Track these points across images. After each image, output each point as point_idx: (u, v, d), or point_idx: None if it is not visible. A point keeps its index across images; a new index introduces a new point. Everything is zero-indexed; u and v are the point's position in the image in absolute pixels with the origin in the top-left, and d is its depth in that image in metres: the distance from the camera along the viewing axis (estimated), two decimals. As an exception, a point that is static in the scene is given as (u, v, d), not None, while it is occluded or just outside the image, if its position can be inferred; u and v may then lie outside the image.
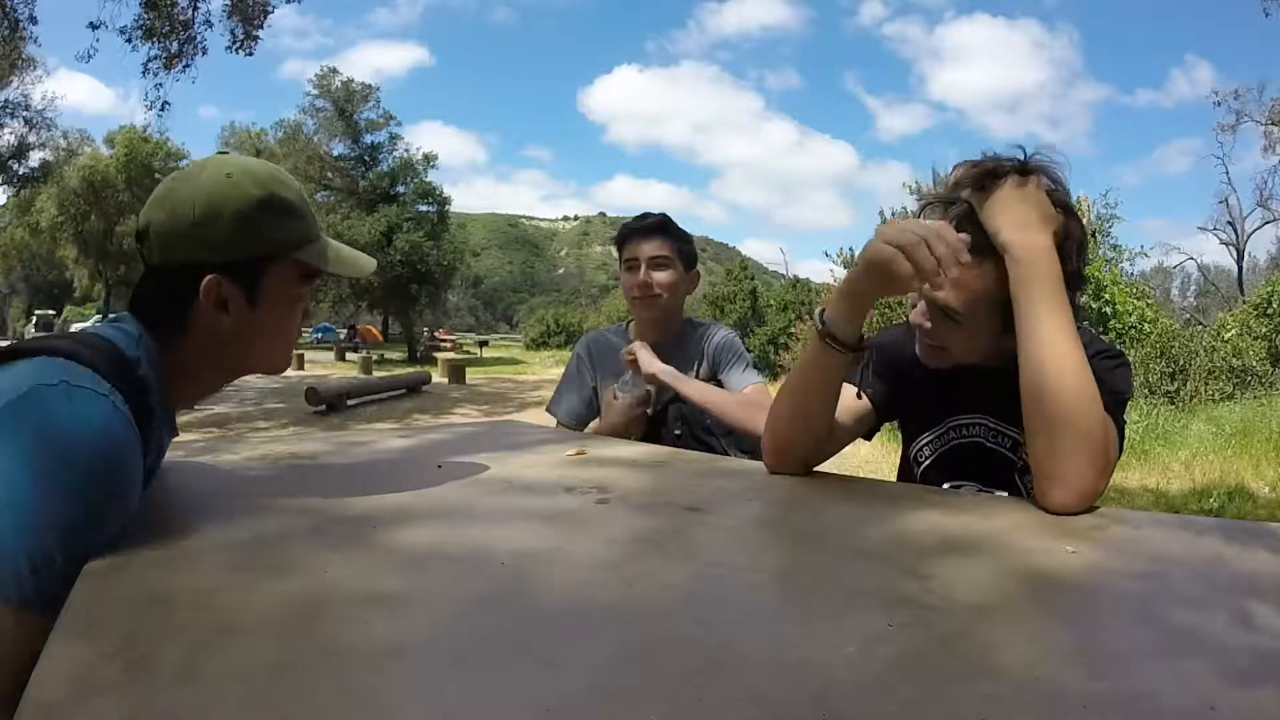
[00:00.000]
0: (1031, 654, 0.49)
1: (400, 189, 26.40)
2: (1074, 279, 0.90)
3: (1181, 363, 9.24)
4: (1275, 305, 11.04)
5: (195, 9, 9.89)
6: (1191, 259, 28.63)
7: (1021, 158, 0.92)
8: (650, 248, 1.61)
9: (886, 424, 1.17)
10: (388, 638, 0.50)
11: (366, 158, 26.81)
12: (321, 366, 19.84)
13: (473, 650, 0.49)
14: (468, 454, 1.06)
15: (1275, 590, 0.60)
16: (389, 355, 24.73)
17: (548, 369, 20.61)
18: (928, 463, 1.11)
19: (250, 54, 10.38)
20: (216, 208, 0.76)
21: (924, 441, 1.12)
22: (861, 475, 1.06)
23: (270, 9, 10.33)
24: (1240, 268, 26.51)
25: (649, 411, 1.59)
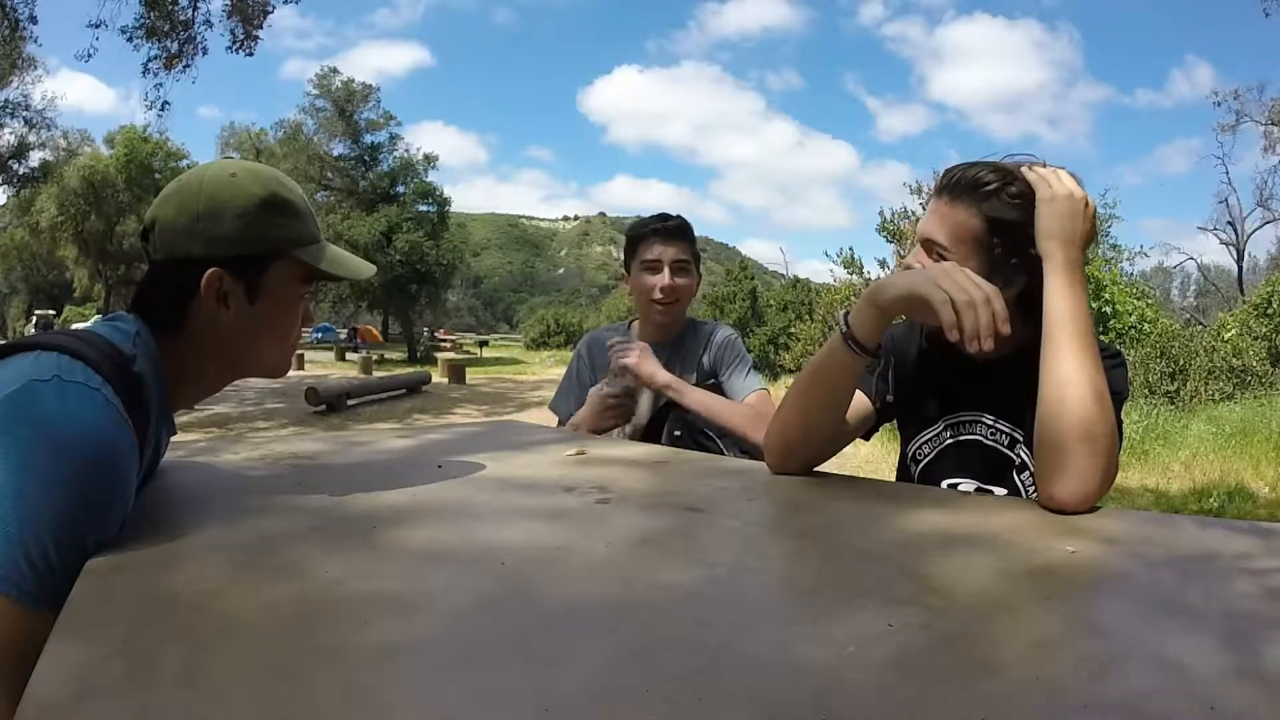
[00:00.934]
0: (1031, 654, 0.49)
1: (400, 189, 26.41)
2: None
3: (1181, 363, 9.24)
4: (1275, 305, 11.04)
5: (195, 9, 9.89)
6: (1191, 259, 28.63)
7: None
8: (674, 251, 1.59)
9: (886, 424, 1.18)
10: (388, 638, 0.50)
11: (366, 158, 26.81)
12: (321, 366, 19.85)
13: (473, 650, 0.49)
14: (468, 454, 1.06)
15: (1275, 590, 0.60)
16: (389, 355, 24.73)
17: (548, 369, 20.61)
18: (926, 460, 1.11)
19: (250, 54, 10.38)
20: (221, 204, 0.78)
21: (922, 439, 1.12)
22: (861, 475, 1.06)
23: (270, 9, 10.33)
24: (1240, 268, 26.50)
25: (639, 408, 1.58)
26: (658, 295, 1.58)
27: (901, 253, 9.12)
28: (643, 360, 1.51)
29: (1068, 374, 0.84)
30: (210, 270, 0.78)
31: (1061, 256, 0.89)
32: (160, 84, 10.10)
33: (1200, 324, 14.87)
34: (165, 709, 0.42)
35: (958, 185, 0.98)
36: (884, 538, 0.73)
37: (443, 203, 27.12)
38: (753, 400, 1.55)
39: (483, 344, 38.29)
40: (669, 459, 1.11)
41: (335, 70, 27.21)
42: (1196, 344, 9.71)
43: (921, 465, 1.12)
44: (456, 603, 0.56)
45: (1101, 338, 1.28)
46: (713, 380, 1.62)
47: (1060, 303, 0.88)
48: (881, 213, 10.49)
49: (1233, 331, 10.80)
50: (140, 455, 0.73)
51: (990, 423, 1.05)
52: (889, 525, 0.77)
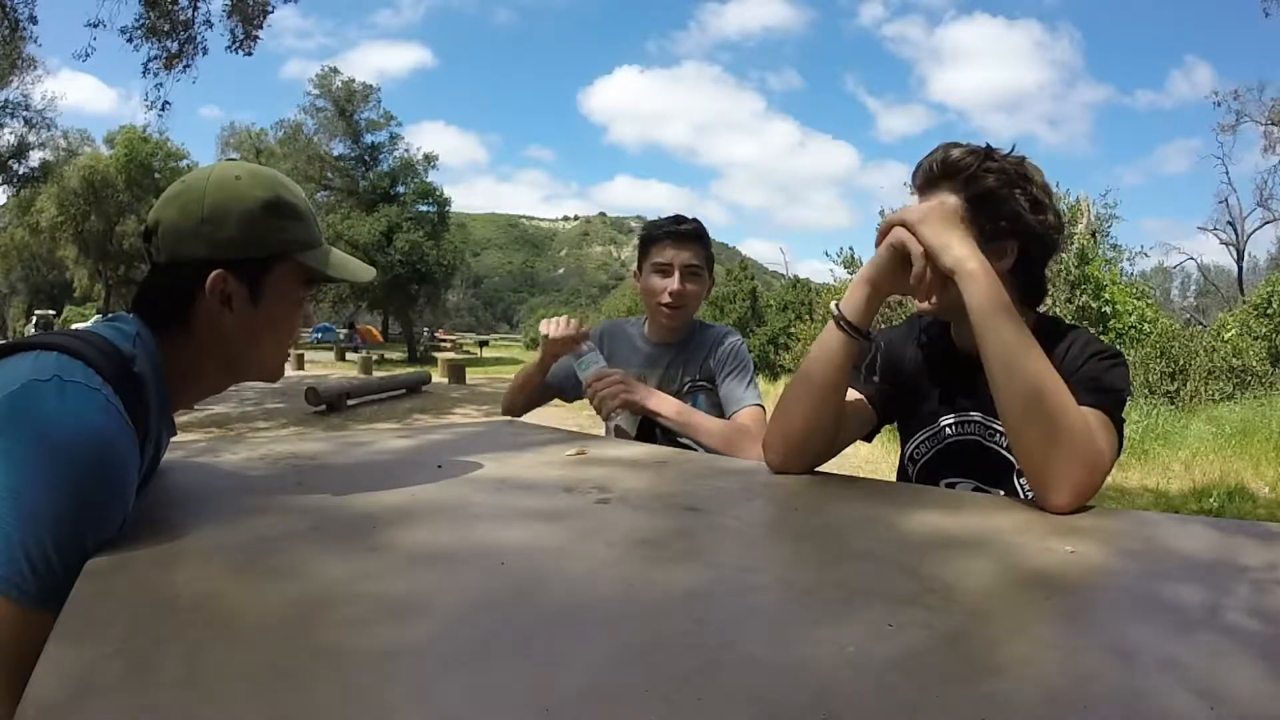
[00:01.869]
0: (1031, 654, 0.50)
1: (400, 189, 26.39)
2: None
3: (1181, 363, 9.24)
4: (1275, 305, 11.04)
5: (195, 9, 9.89)
6: (1191, 259, 28.65)
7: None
8: (687, 255, 1.59)
9: (887, 425, 1.18)
10: (388, 638, 0.50)
11: (367, 158, 26.79)
12: (321, 366, 19.83)
13: (472, 650, 0.49)
14: (468, 454, 1.06)
15: (1275, 590, 0.60)
16: (389, 355, 24.72)
17: (548, 369, 20.48)
18: (924, 460, 1.11)
19: (249, 54, 10.37)
20: (224, 207, 0.79)
21: (921, 439, 1.12)
22: (861, 475, 1.06)
23: (270, 9, 10.32)
24: (1240, 268, 26.50)
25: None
26: (666, 299, 1.58)
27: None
28: (629, 392, 1.48)
29: (1020, 371, 0.85)
30: (215, 272, 0.78)
31: (969, 261, 0.89)
32: (160, 84, 10.10)
33: (1200, 324, 14.87)
34: (165, 709, 0.42)
35: (931, 173, 1.01)
36: (884, 538, 0.73)
37: (443, 203, 27.11)
38: (743, 415, 1.52)
39: (483, 344, 38.29)
40: (669, 459, 1.11)
41: (335, 70, 27.20)
42: (1196, 344, 9.71)
43: (919, 464, 1.12)
44: (456, 603, 0.56)
45: (1101, 338, 1.28)
46: (704, 383, 1.61)
47: (985, 300, 0.87)
48: (882, 212, 10.50)
49: (1233, 331, 10.79)
50: (140, 456, 0.73)
51: (988, 422, 1.05)
52: (889, 525, 0.77)
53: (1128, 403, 1.01)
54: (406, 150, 27.18)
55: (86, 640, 0.50)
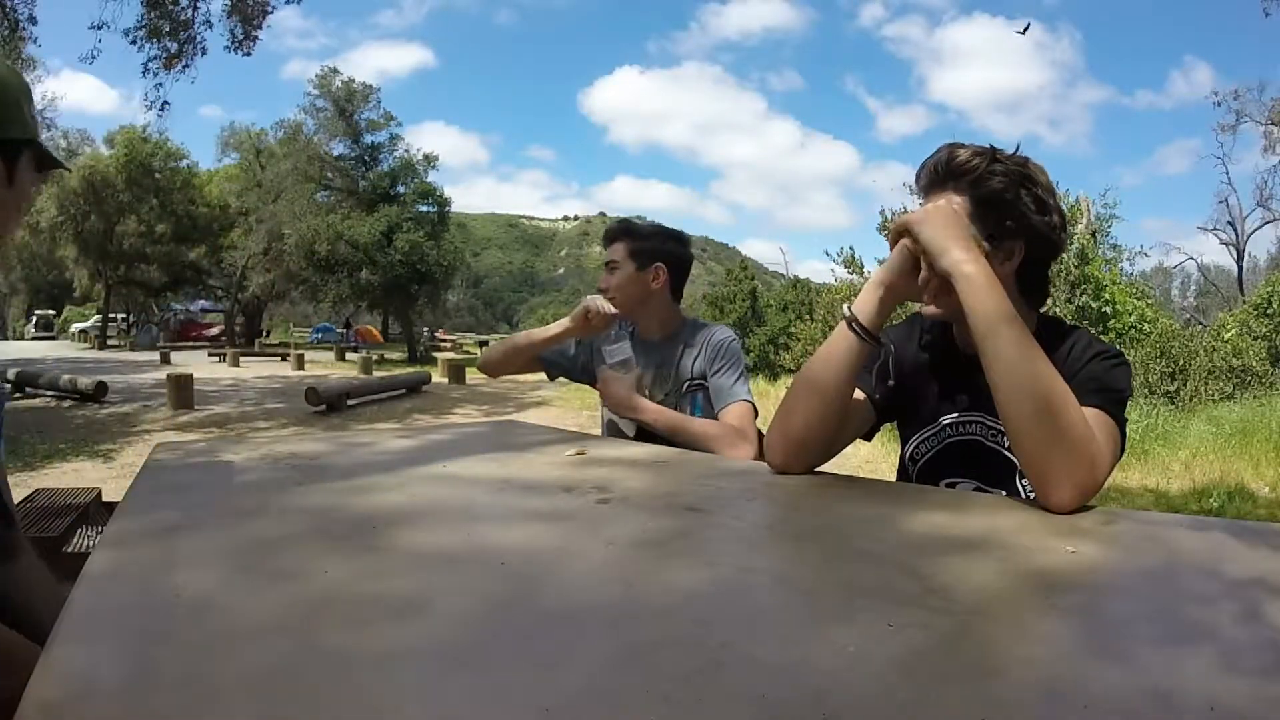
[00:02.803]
0: (1031, 654, 0.50)
1: (401, 189, 26.38)
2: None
3: (1181, 363, 9.23)
4: (1275, 305, 11.03)
5: (195, 9, 9.89)
6: (1191, 259, 28.57)
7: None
8: (607, 254, 1.71)
9: (886, 425, 1.18)
10: (388, 638, 0.50)
11: (367, 158, 26.77)
12: (321, 366, 19.80)
13: (473, 650, 0.49)
14: (468, 454, 1.06)
15: (1275, 590, 0.60)
16: (389, 355, 24.72)
17: (548, 369, 20.50)
18: (925, 460, 1.11)
19: (249, 54, 10.36)
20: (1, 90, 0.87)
21: (921, 438, 1.12)
22: (861, 475, 1.06)
23: (270, 9, 10.31)
24: (1240, 268, 26.48)
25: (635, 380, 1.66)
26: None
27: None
28: (616, 391, 1.60)
29: (1020, 373, 0.84)
30: None
31: (966, 264, 0.89)
32: (160, 84, 10.08)
33: (1200, 324, 14.87)
34: (165, 709, 0.42)
35: (936, 174, 1.01)
36: (884, 538, 0.73)
37: (443, 203, 27.10)
38: (731, 412, 1.54)
39: (483, 344, 38.20)
40: (669, 459, 1.11)
41: (335, 70, 27.16)
42: (1196, 344, 9.70)
43: (920, 464, 1.12)
44: (457, 603, 0.56)
45: (1102, 338, 1.28)
46: (701, 382, 1.62)
47: (985, 304, 0.87)
48: (882, 212, 10.51)
49: (1233, 331, 10.79)
50: None
51: (989, 424, 1.05)
52: (889, 525, 0.77)
53: (1129, 403, 1.01)
54: (407, 150, 27.19)
55: (86, 640, 0.50)
